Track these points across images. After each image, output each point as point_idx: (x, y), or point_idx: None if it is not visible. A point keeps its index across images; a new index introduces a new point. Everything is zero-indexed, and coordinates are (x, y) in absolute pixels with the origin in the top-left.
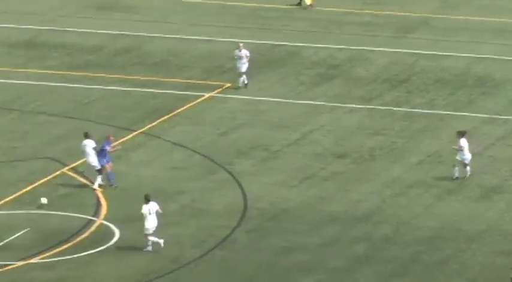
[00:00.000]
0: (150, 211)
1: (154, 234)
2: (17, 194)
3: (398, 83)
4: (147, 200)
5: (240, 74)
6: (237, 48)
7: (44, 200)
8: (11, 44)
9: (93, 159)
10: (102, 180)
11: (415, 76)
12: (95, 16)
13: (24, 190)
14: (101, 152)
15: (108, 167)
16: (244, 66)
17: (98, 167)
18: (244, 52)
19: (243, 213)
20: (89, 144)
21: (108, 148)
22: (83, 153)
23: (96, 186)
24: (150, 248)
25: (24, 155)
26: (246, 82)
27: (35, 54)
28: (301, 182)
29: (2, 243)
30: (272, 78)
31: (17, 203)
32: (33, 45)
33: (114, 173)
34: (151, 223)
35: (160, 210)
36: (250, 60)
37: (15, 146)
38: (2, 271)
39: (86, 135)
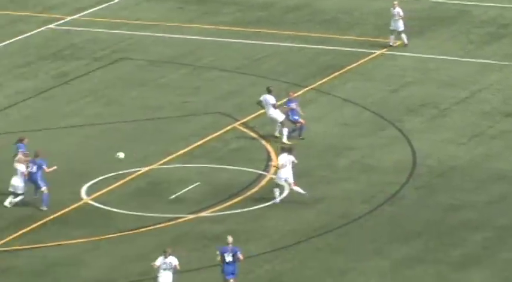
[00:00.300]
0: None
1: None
2: (188, 148)
3: None
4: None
5: (391, 32)
6: (392, 7)
7: (121, 155)
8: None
9: (273, 112)
10: (280, 133)
11: None
12: None
13: (196, 144)
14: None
15: (300, 122)
16: (396, 24)
17: (280, 119)
18: (398, 10)
19: (411, 169)
20: (270, 100)
21: (292, 105)
22: (266, 107)
23: (285, 139)
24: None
25: (196, 109)
26: (405, 42)
27: (207, 9)
28: (470, 140)
29: (174, 196)
30: (442, 36)
31: (189, 157)
32: (204, 1)
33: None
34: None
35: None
36: (407, 19)
37: (187, 100)
38: (173, 223)
39: (268, 90)
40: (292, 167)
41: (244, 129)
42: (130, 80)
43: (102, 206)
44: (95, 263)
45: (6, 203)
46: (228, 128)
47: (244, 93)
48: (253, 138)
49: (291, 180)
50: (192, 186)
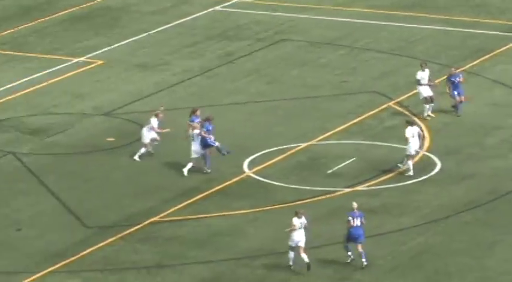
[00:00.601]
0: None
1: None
2: (345, 125)
3: None
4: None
5: None
6: None
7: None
8: None
9: (423, 90)
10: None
11: None
12: None
13: (352, 122)
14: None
15: (460, 98)
16: None
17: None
18: None
19: None
20: (424, 76)
21: (457, 80)
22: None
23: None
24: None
25: (353, 89)
26: None
27: None
28: None
29: (331, 170)
30: None
31: (346, 133)
32: None
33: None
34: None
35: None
36: None
37: (345, 80)
38: (330, 197)
39: (422, 66)
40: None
41: (398, 108)
42: (291, 60)
43: (262, 179)
44: (255, 234)
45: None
46: (383, 106)
47: (398, 73)
48: (407, 117)
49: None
50: (348, 162)
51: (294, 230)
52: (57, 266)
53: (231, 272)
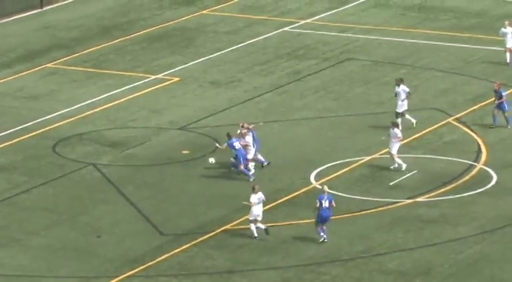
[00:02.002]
0: None
1: None
2: (407, 140)
3: None
4: None
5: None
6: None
7: (211, 160)
8: (405, 6)
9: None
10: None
11: None
12: None
13: (413, 137)
14: None
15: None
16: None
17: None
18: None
19: None
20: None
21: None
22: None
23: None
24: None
25: (414, 105)
26: None
27: (426, 16)
28: None
29: (393, 183)
30: None
31: (407, 147)
32: (424, 8)
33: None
34: None
35: None
36: None
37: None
38: (392, 207)
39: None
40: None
41: (457, 124)
42: (355, 78)
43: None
44: (321, 241)
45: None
46: (442, 122)
47: (457, 91)
48: (465, 132)
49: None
50: (409, 174)
51: (253, 205)
52: (135, 270)
53: (298, 278)
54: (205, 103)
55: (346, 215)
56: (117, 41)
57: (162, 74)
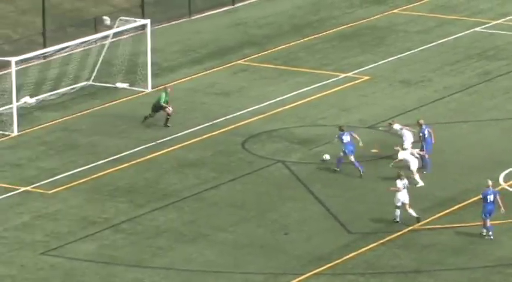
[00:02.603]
0: None
1: None
2: None
3: None
4: None
5: None
6: None
7: (326, 156)
8: None
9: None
10: None
11: None
12: None
13: None
14: None
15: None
16: None
17: None
18: None
19: None
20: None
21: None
22: None
23: None
24: None
25: None
26: None
27: None
28: None
29: None
30: None
31: None
32: None
33: None
34: None
35: None
36: None
37: None
38: None
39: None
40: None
41: None
42: None
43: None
44: (509, 243)
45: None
46: None
47: None
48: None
49: None
50: None
51: (399, 191)
52: (321, 268)
53: (485, 279)
54: (394, 102)
55: None
56: (307, 39)
57: (352, 73)
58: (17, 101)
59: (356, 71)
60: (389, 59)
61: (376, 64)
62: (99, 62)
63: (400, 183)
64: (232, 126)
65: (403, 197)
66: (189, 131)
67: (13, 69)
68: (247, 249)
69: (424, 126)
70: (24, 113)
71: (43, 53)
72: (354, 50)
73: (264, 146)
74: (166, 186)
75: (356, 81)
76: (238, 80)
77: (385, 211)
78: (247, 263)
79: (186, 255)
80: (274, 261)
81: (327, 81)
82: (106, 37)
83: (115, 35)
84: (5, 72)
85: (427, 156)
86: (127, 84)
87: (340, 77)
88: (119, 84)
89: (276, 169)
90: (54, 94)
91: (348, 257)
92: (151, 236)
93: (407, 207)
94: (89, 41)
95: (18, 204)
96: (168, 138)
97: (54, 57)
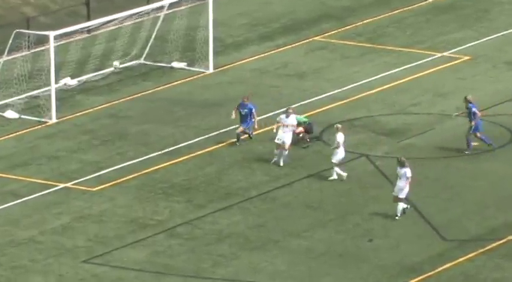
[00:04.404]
0: None
1: None
2: None
3: None
4: None
5: None
6: None
7: (116, 63)
8: None
9: None
10: None
11: None
12: None
13: None
14: None
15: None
16: None
17: None
18: None
19: None
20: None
21: None
22: None
23: None
24: None
25: None
26: None
27: None
28: None
29: None
30: None
31: None
32: None
33: None
34: None
35: None
36: None
37: None
38: None
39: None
40: None
41: None
42: None
43: None
44: None
45: None
46: None
47: None
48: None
49: None
50: None
51: None
52: (411, 280)
53: None
54: (499, 86)
55: None
56: (396, 11)
57: (449, 52)
58: (56, 82)
59: (454, 50)
60: (493, 36)
61: (478, 42)
62: (152, 37)
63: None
64: (308, 114)
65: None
66: (257, 118)
67: (51, 45)
68: (324, 258)
69: (472, 104)
70: (64, 96)
71: (87, 27)
72: (451, 25)
73: (345, 137)
74: (230, 184)
75: (454, 62)
76: (315, 60)
77: (486, 215)
78: (324, 274)
79: (253, 264)
80: (355, 272)
81: (420, 62)
82: (160, 8)
83: (171, 6)
84: (43, 48)
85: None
86: (184, 63)
87: (435, 57)
88: (175, 64)
89: (358, 164)
90: (99, 75)
91: (442, 268)
92: (212, 242)
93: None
94: (140, 12)
95: (56, 204)
96: (232, 127)
97: (100, 31)
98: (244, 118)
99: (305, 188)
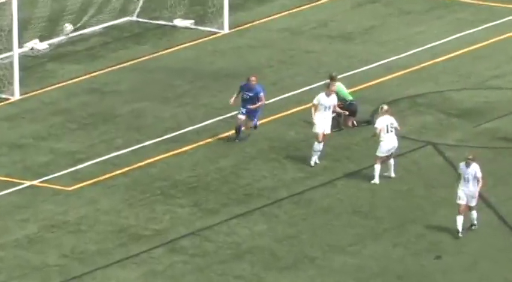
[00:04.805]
0: None
1: None
2: None
3: None
4: None
5: None
6: None
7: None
8: None
9: None
10: None
11: None
12: None
13: None
14: None
15: None
16: None
17: None
18: None
19: None
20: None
21: None
22: None
23: None
24: None
25: None
26: None
27: None
28: None
29: None
30: None
31: None
32: None
33: None
34: None
35: None
36: None
37: None
38: None
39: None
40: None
41: None
42: None
43: None
44: None
45: None
46: None
47: None
48: None
49: None
50: None
51: None
52: None
53: None
54: None
55: None
56: None
57: None
58: (20, 46)
59: None
60: None
61: None
62: None
63: None
64: (356, 88)
65: None
66: (288, 94)
67: None
68: (378, 279)
69: None
70: (31, 65)
71: None
72: None
73: (405, 120)
74: (250, 182)
75: None
76: (364, 17)
77: None
78: None
79: None
80: None
81: (504, 19)
82: None
83: None
84: (2, 0)
85: None
86: (191, 21)
87: None
88: (178, 22)
89: (423, 155)
90: (76, 36)
91: None
92: (227, 259)
93: None
94: None
95: (20, 207)
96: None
97: None
98: (247, 103)
99: (351, 188)
